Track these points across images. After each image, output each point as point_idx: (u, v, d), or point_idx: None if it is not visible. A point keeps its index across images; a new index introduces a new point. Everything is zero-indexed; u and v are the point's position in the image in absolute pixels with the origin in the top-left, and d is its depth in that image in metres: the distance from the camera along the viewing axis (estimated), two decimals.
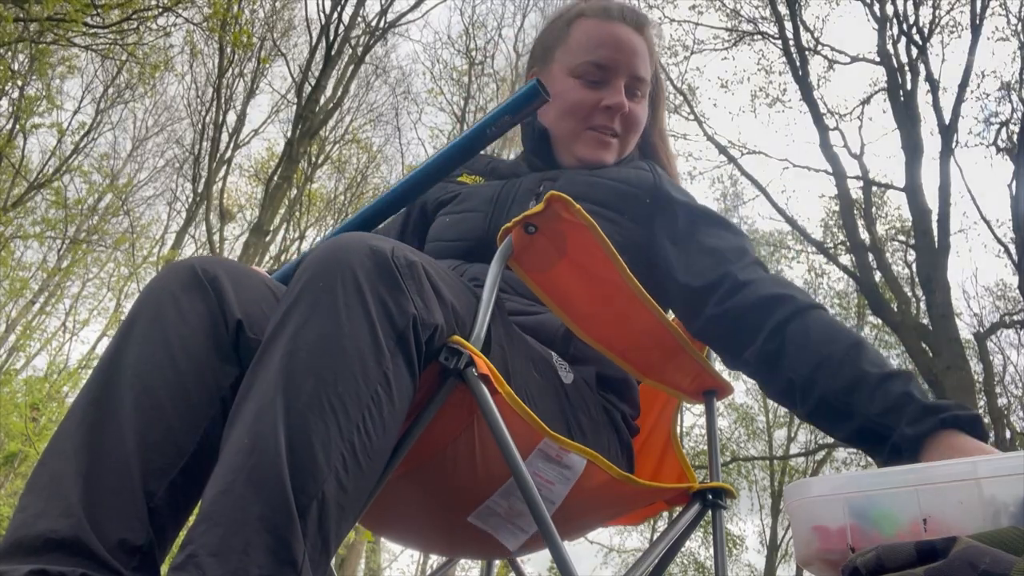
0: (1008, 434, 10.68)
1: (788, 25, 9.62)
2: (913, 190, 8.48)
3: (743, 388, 15.49)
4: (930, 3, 9.55)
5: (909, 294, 10.30)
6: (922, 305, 9.20)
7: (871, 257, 9.04)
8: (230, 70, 12.04)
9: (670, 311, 1.25)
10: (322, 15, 11.24)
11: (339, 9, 11.26)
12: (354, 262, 0.79)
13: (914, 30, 9.38)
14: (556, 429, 0.94)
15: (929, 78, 9.05)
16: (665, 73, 11.14)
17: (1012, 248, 9.42)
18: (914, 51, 9.29)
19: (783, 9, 9.66)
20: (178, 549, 0.68)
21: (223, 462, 0.70)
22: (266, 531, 0.65)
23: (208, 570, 0.64)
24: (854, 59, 10.22)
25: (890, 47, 9.44)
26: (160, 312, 0.87)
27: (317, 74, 11.03)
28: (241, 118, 12.59)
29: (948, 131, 8.60)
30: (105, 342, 13.36)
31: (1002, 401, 11.64)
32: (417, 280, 0.82)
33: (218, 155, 11.68)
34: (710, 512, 1.10)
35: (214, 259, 0.96)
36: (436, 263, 0.88)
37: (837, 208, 10.26)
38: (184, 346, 0.86)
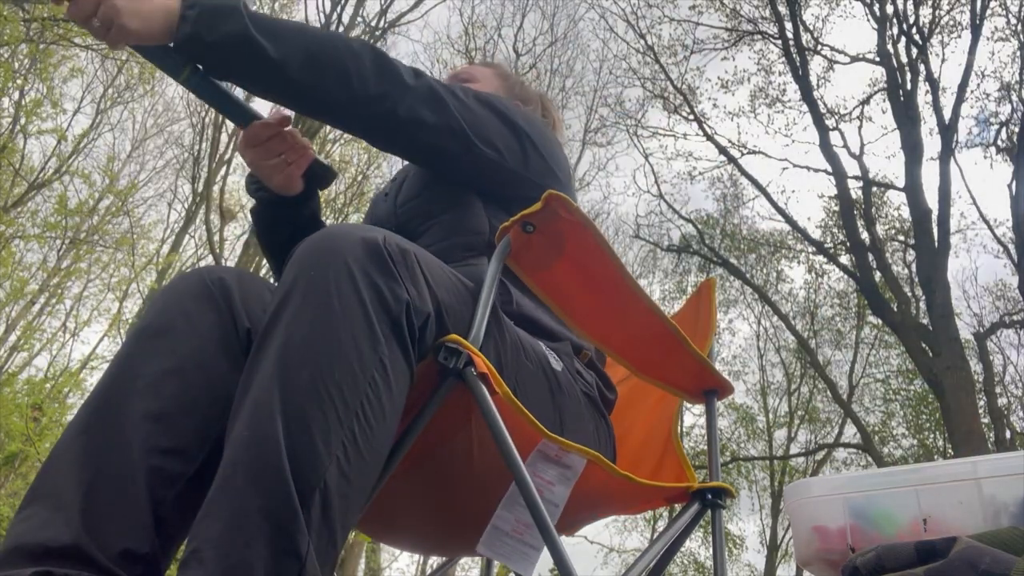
0: (1008, 434, 10.68)
1: (788, 25, 9.62)
2: (913, 190, 8.48)
3: (743, 388, 15.51)
4: (930, 3, 9.56)
5: (909, 294, 10.30)
6: (922, 305, 9.20)
7: (871, 257, 9.04)
8: None
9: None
10: (322, 15, 11.25)
11: (339, 9, 11.27)
12: (345, 250, 0.78)
13: (914, 30, 9.38)
14: (546, 420, 0.94)
15: (929, 78, 9.06)
16: (664, 72, 11.14)
17: (1012, 248, 9.42)
18: (914, 51, 9.29)
19: (783, 9, 9.66)
20: (184, 546, 0.68)
21: (224, 457, 0.70)
22: (267, 523, 0.65)
23: (210, 564, 0.63)
24: (854, 59, 10.22)
25: (890, 47, 9.45)
26: (170, 323, 0.88)
27: None
28: None
29: (948, 131, 8.60)
30: (107, 343, 13.36)
31: (1002, 401, 11.64)
32: (410, 268, 0.82)
33: (218, 155, 11.67)
34: (709, 512, 1.10)
35: (222, 268, 0.97)
36: (427, 254, 0.88)
37: (837, 208, 10.25)
38: (194, 356, 0.86)
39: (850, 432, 13.94)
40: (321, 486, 0.68)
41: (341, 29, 11.26)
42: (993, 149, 9.83)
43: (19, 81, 9.86)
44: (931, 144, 8.85)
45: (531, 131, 1.18)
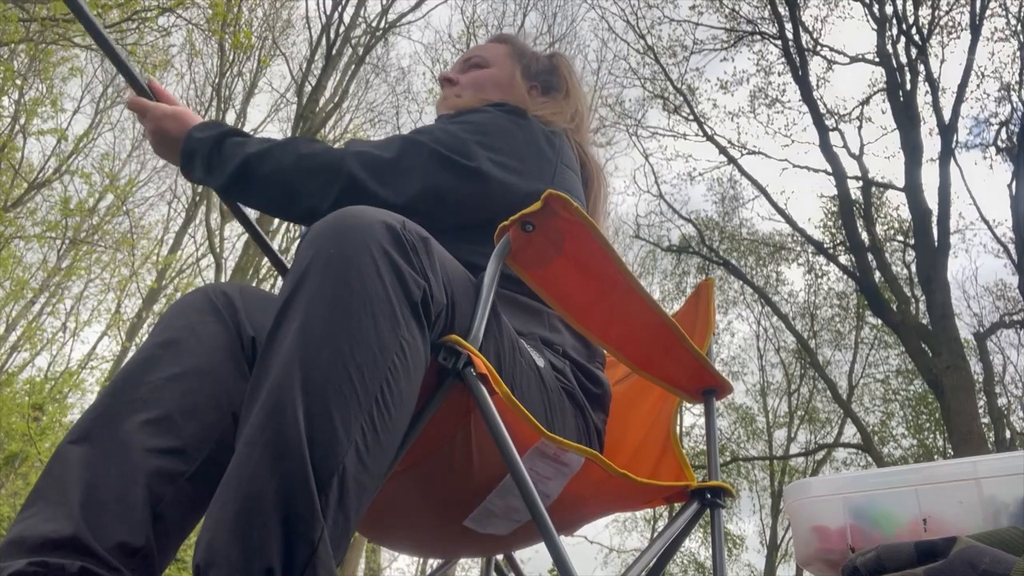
0: (1008, 434, 10.68)
1: (788, 26, 9.62)
2: (913, 190, 8.48)
3: (743, 388, 15.51)
4: (930, 3, 9.55)
5: (909, 294, 10.30)
6: (922, 305, 9.20)
7: (871, 257, 9.03)
8: (230, 70, 12.05)
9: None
10: (322, 14, 11.26)
11: (340, 9, 11.27)
12: (364, 230, 0.77)
13: (914, 30, 9.37)
14: (538, 418, 0.94)
15: (929, 78, 9.05)
16: (664, 72, 11.14)
17: (1012, 248, 9.42)
18: (914, 51, 9.29)
19: (783, 10, 9.66)
20: (200, 528, 0.68)
21: (242, 437, 0.69)
22: (283, 506, 0.64)
23: (224, 548, 0.63)
24: (853, 59, 10.22)
25: (890, 47, 9.44)
26: (175, 337, 0.90)
27: (318, 74, 11.03)
28: (241, 117, 12.60)
29: (948, 131, 8.59)
30: (106, 343, 13.37)
31: (1002, 401, 11.65)
32: (429, 256, 0.81)
33: None
34: (709, 511, 1.10)
35: (225, 284, 0.99)
36: (439, 245, 0.87)
37: (837, 208, 10.25)
38: (197, 363, 0.88)
39: (850, 432, 13.96)
40: (339, 471, 0.66)
41: (342, 29, 11.26)
42: (993, 149, 9.84)
43: (19, 81, 9.86)
44: (931, 144, 8.86)
45: (481, 148, 1.11)
